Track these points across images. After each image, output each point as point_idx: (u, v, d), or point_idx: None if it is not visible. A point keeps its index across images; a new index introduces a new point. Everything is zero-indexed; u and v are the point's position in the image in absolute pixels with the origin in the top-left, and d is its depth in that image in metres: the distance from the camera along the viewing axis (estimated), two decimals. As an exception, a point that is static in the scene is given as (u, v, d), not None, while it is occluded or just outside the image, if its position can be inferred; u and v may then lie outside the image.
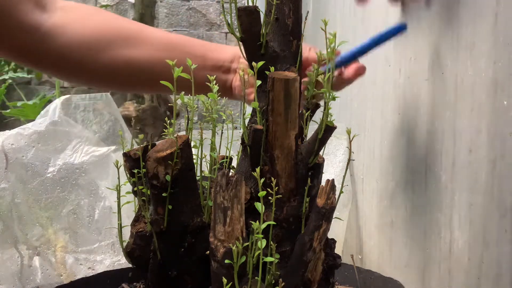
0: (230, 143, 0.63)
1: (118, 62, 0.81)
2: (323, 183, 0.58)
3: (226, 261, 0.53)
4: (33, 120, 1.46)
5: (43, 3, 0.81)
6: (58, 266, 1.25)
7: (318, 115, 0.59)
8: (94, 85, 0.89)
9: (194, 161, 0.61)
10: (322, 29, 0.58)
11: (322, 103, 0.59)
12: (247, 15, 0.60)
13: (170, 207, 0.59)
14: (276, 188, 0.56)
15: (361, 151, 1.20)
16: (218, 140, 0.63)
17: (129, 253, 0.63)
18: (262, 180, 0.56)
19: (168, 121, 0.60)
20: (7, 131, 1.20)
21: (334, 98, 0.58)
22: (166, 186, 0.58)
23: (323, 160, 0.61)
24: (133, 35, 0.83)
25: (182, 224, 0.60)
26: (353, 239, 1.27)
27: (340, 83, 0.80)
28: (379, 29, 1.10)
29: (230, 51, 0.83)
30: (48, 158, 1.20)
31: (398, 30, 0.85)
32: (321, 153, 0.61)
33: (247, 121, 0.60)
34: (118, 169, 0.60)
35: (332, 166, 1.25)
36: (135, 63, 0.81)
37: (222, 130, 0.63)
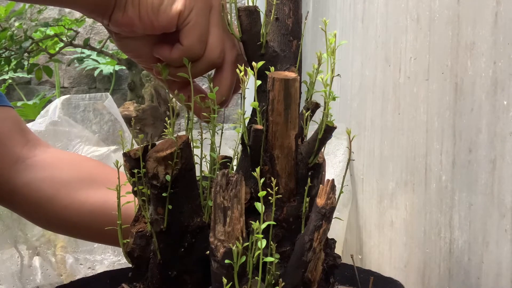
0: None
1: (93, 202, 0.81)
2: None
3: (226, 261, 0.53)
4: (33, 120, 1.46)
5: (35, 143, 0.83)
6: (58, 266, 1.25)
7: (318, 115, 0.59)
8: (56, 226, 0.88)
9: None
10: (322, 29, 0.58)
11: (322, 103, 0.59)
12: (247, 15, 0.60)
13: (170, 207, 0.59)
14: (276, 188, 0.56)
15: (361, 151, 1.20)
16: (218, 140, 0.63)
17: (129, 253, 0.63)
18: (262, 180, 0.56)
19: (168, 121, 0.60)
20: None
21: (334, 98, 0.58)
22: (166, 186, 0.58)
23: (323, 160, 0.60)
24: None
25: (182, 224, 0.60)
26: (353, 239, 1.27)
27: None
28: (379, 28, 1.10)
29: None
30: (48, 158, 1.20)
31: None
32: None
33: (247, 121, 0.60)
34: (118, 169, 0.60)
35: (332, 166, 1.25)
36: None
37: (222, 130, 0.63)
